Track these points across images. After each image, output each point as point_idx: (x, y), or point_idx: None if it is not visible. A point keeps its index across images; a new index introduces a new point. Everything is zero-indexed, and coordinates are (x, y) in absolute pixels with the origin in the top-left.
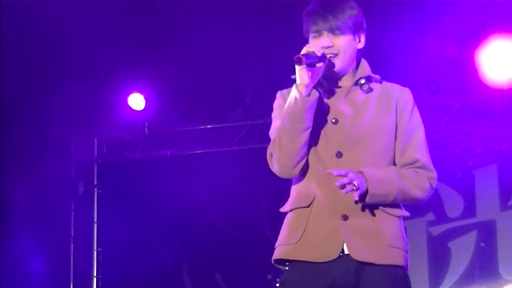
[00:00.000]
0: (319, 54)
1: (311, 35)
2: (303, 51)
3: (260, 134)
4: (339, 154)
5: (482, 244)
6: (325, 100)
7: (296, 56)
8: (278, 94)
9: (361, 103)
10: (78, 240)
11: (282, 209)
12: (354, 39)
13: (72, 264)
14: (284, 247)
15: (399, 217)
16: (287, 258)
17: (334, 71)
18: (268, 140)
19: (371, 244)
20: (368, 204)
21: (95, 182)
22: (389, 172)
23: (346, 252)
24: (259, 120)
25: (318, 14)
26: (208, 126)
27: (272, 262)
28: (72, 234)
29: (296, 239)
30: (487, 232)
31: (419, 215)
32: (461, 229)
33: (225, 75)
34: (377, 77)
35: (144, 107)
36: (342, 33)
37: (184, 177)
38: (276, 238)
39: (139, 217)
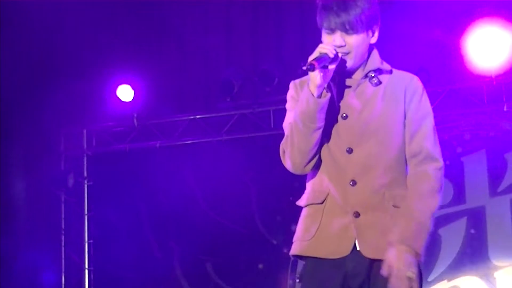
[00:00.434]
0: (332, 56)
1: (324, 31)
2: (315, 53)
3: (250, 123)
4: (349, 150)
5: (472, 231)
6: (336, 94)
7: (308, 63)
8: (291, 84)
9: (370, 96)
10: (69, 232)
11: (298, 203)
12: (367, 35)
13: (63, 257)
14: (299, 243)
15: None
16: (302, 255)
17: (345, 67)
18: (257, 128)
19: (381, 241)
20: (379, 201)
21: (85, 174)
22: (410, 218)
23: (358, 248)
24: (248, 109)
25: (331, 10)
26: (197, 116)
27: (290, 255)
28: (63, 227)
29: (311, 235)
30: (477, 218)
31: None
32: (451, 216)
33: (213, 65)
34: (387, 67)
35: (133, 98)
36: (355, 31)
37: (174, 168)
38: (266, 227)
39: (129, 209)
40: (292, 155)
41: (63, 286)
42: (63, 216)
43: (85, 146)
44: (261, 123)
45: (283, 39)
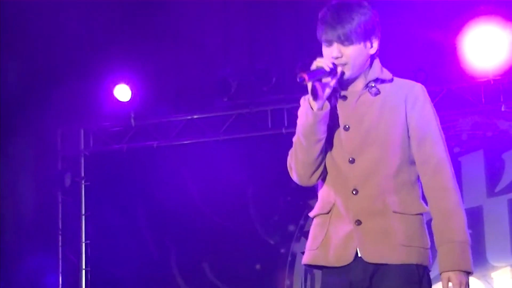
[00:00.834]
0: (327, 69)
1: (323, 44)
2: (312, 66)
3: (247, 123)
4: (352, 160)
5: (469, 231)
6: (338, 104)
7: (298, 76)
8: (301, 100)
9: (369, 107)
10: (66, 232)
11: (310, 214)
12: (365, 46)
13: (60, 257)
14: (309, 252)
15: (415, 215)
16: (310, 264)
17: (344, 79)
18: (254, 128)
19: (383, 246)
20: (380, 207)
21: (82, 174)
22: (450, 242)
23: (359, 254)
24: (245, 109)
25: (327, 23)
26: (195, 116)
27: (302, 264)
28: (60, 227)
29: (317, 245)
30: (474, 218)
31: None
32: None
33: (210, 65)
34: (388, 76)
35: (130, 98)
36: (351, 42)
37: (172, 168)
38: (264, 226)
39: (127, 208)
40: (296, 167)
41: (60, 286)
42: (60, 216)
43: (82, 146)
44: (258, 123)
45: (280, 39)
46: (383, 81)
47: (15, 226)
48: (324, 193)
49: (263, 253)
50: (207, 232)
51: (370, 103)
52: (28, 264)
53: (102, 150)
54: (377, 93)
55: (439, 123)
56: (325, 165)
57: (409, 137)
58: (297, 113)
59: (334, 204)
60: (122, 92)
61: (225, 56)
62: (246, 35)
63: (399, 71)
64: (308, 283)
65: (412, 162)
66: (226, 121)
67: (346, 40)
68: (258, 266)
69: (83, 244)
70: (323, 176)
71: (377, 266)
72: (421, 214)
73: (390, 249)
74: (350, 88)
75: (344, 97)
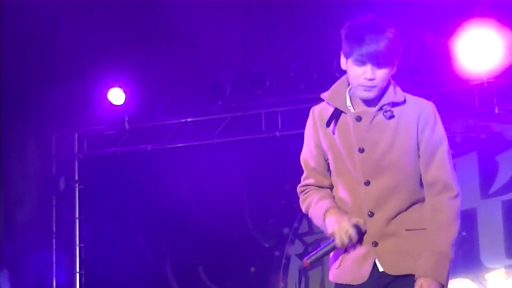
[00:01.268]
0: (340, 246)
1: (352, 62)
2: (336, 238)
3: (241, 126)
4: (367, 183)
5: (463, 233)
6: (352, 124)
7: (303, 265)
8: (310, 112)
9: (384, 129)
10: (60, 235)
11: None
12: (392, 69)
13: (54, 260)
14: (331, 271)
15: (425, 228)
16: (333, 281)
17: (364, 98)
18: (248, 131)
19: (402, 260)
20: (394, 228)
21: (76, 178)
22: (432, 251)
23: (381, 269)
24: (239, 112)
25: (363, 42)
26: (189, 119)
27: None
28: (54, 230)
29: (338, 264)
30: (469, 220)
31: None
32: None
33: (204, 68)
34: (401, 98)
35: (124, 101)
36: (385, 65)
37: (166, 171)
38: (258, 229)
39: (121, 212)
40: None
41: None
42: (54, 219)
43: (76, 149)
44: (252, 126)
45: (274, 42)
46: (397, 104)
47: (10, 230)
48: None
49: (258, 256)
50: (202, 236)
51: (384, 125)
52: (22, 267)
53: (96, 154)
54: (392, 116)
55: (447, 143)
56: (338, 183)
57: (418, 155)
58: (291, 116)
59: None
60: (116, 96)
61: (219, 59)
62: (240, 39)
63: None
64: (303, 285)
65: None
66: (220, 124)
67: (381, 62)
68: (252, 269)
69: (77, 248)
70: (336, 197)
71: (394, 277)
72: None
73: (408, 262)
74: (364, 107)
75: (359, 118)
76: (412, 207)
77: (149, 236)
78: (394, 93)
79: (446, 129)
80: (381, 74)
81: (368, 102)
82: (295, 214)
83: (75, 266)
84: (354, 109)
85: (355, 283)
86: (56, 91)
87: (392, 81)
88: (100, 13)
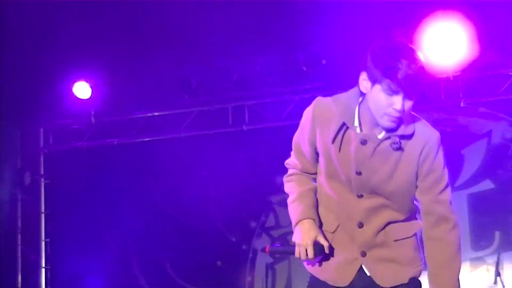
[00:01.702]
0: (307, 258)
1: (383, 88)
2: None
3: (207, 120)
4: (360, 196)
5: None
6: (355, 146)
7: (266, 251)
8: (313, 105)
9: (386, 159)
10: (26, 230)
11: None
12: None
13: (20, 255)
14: (310, 264)
15: (412, 236)
16: (312, 273)
17: (387, 128)
18: (215, 125)
19: (389, 267)
20: (382, 238)
21: (42, 172)
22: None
23: (368, 274)
24: (206, 106)
25: (403, 73)
26: (156, 113)
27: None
28: (20, 225)
29: (320, 260)
30: None
31: None
32: None
33: (171, 62)
34: (410, 131)
35: (90, 95)
36: (416, 97)
37: (132, 165)
38: (225, 223)
39: (87, 207)
40: None
41: (19, 284)
42: (19, 214)
43: (42, 144)
44: (219, 120)
45: (241, 36)
46: (405, 137)
47: None
48: (329, 214)
49: (225, 250)
50: (168, 230)
51: (388, 155)
52: None
53: (62, 148)
54: (399, 149)
55: (446, 176)
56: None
57: (416, 185)
58: (258, 110)
59: (339, 226)
60: (82, 90)
61: (185, 53)
62: (206, 33)
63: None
64: (270, 279)
65: (414, 199)
66: (187, 118)
67: (415, 95)
68: (219, 263)
69: (43, 242)
70: (324, 201)
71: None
72: (415, 233)
73: (398, 272)
74: (372, 129)
75: (364, 141)
76: (401, 219)
77: (115, 231)
78: (406, 125)
79: None
80: (410, 105)
81: (377, 124)
82: (262, 208)
83: (41, 261)
84: (361, 129)
85: (336, 285)
86: (21, 85)
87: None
88: (66, 7)
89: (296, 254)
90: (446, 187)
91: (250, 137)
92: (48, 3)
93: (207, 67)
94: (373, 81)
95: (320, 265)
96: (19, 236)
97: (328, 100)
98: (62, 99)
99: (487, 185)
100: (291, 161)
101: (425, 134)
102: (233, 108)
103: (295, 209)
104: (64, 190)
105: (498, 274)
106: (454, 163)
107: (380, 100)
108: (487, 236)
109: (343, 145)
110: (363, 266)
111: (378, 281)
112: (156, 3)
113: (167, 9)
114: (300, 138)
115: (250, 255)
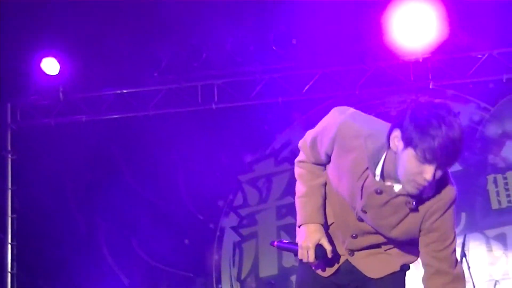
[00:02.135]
0: (329, 256)
1: (417, 154)
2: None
3: (176, 99)
4: (360, 219)
5: None
6: (370, 191)
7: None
8: (342, 119)
9: (396, 213)
10: None
11: None
12: None
13: None
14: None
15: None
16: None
17: (411, 193)
18: (184, 104)
19: (381, 262)
20: (373, 249)
21: (9, 148)
22: None
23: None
24: (175, 84)
25: (443, 145)
26: (124, 91)
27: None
28: None
29: None
30: None
31: None
32: None
33: (140, 39)
34: (430, 193)
35: (59, 71)
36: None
37: (100, 143)
38: (193, 202)
39: (54, 183)
40: None
41: None
42: None
43: (9, 120)
44: (188, 98)
45: (211, 14)
46: (423, 199)
47: None
48: (329, 208)
49: (192, 228)
50: (136, 207)
51: (400, 209)
52: None
53: (30, 124)
54: (414, 210)
55: (454, 235)
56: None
57: (419, 235)
58: (227, 89)
59: (334, 223)
60: (50, 66)
61: (155, 31)
62: (177, 11)
63: (328, 48)
64: (237, 258)
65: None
66: (156, 96)
67: (448, 168)
68: (186, 241)
69: (9, 219)
70: (330, 194)
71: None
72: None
73: (388, 262)
74: (392, 182)
75: (380, 191)
76: (397, 247)
77: (83, 208)
78: (429, 189)
79: (381, 103)
80: (439, 175)
81: (398, 180)
82: (230, 186)
83: (7, 237)
84: (382, 178)
85: (322, 274)
86: None
87: None
88: None
89: (299, 255)
90: (449, 245)
91: (219, 116)
92: None
93: (177, 46)
94: (407, 143)
95: (324, 269)
96: None
97: (357, 127)
98: (30, 75)
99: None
100: (305, 150)
101: (440, 193)
102: (203, 87)
103: (302, 206)
104: (32, 166)
105: (464, 255)
106: None
107: (411, 166)
108: None
109: (358, 181)
110: (349, 260)
111: (366, 274)
112: None
113: None
114: (318, 140)
115: (218, 233)
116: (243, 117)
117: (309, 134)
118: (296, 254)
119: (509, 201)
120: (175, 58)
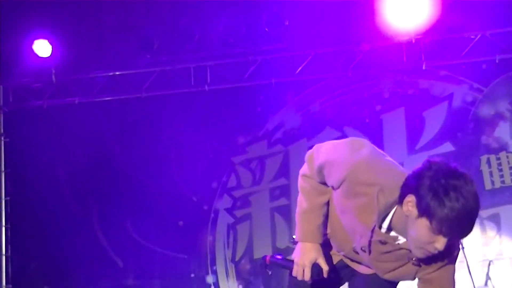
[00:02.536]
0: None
1: (432, 226)
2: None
3: (169, 81)
4: (357, 253)
5: None
6: (374, 239)
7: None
8: (349, 161)
9: (397, 261)
10: None
11: None
12: None
13: None
14: None
15: None
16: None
17: (417, 257)
18: (177, 86)
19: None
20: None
21: (2, 131)
22: None
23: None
24: (168, 66)
25: (460, 228)
26: (117, 73)
27: None
28: None
29: None
30: None
31: None
32: None
33: (133, 21)
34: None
35: (51, 53)
36: None
37: (93, 125)
38: (187, 184)
39: (47, 166)
40: None
41: None
42: None
43: (1, 102)
44: (181, 80)
45: None
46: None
47: None
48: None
49: (186, 210)
50: (130, 190)
51: (400, 259)
52: None
53: (22, 107)
54: (416, 265)
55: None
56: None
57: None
58: (220, 70)
59: (330, 233)
60: (42, 48)
61: (148, 13)
62: None
63: (325, 34)
64: (231, 239)
65: None
66: (149, 78)
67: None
68: (180, 223)
69: (3, 201)
70: (333, 212)
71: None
72: None
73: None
74: (396, 235)
75: (384, 242)
76: None
77: (76, 190)
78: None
79: (374, 84)
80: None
81: (403, 235)
82: (223, 168)
83: (1, 220)
84: (388, 230)
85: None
86: None
87: None
88: None
89: (293, 273)
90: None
91: (212, 97)
92: None
93: (170, 27)
94: (422, 213)
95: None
96: None
97: (371, 175)
98: (22, 57)
99: (447, 147)
100: (311, 169)
101: (445, 252)
102: (195, 69)
103: (302, 223)
104: (24, 149)
105: None
106: (415, 126)
107: (424, 236)
108: None
109: (362, 225)
110: (343, 260)
111: (360, 271)
112: None
113: None
114: (326, 170)
115: (212, 215)
116: (236, 99)
117: (318, 154)
118: (290, 271)
119: (502, 182)
120: (167, 40)
